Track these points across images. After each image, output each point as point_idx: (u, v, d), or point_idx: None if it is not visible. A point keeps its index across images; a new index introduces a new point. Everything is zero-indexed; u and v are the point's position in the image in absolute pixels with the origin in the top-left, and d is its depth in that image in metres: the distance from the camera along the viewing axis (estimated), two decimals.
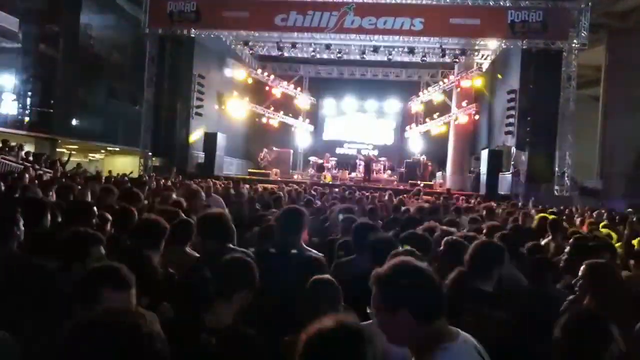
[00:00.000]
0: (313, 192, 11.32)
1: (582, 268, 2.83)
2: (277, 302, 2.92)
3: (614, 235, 6.30)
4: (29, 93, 19.67)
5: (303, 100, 25.66)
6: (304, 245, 3.58)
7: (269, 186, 13.00)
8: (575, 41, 16.91)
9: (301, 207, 3.90)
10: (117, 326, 0.99)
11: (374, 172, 21.90)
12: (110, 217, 3.90)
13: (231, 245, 3.43)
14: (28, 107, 19.64)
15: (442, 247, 3.54)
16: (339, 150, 25.62)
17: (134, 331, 0.99)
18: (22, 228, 2.98)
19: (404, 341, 1.73)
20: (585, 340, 1.93)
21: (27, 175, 10.20)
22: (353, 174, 22.52)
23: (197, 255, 3.51)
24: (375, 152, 24.55)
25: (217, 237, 3.34)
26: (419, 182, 19.42)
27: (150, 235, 3.15)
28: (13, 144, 14.52)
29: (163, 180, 11.32)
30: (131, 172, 14.62)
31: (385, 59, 20.30)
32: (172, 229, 3.37)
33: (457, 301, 2.50)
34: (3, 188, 6.83)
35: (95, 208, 3.84)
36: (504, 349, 2.35)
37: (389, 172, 23.53)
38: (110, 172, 14.67)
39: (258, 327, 2.40)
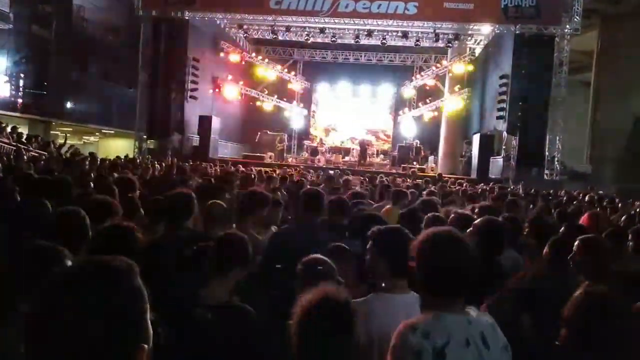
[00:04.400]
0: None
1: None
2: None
3: None
4: (22, 75, 19.51)
5: (297, 84, 25.70)
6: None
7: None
8: (567, 26, 17.00)
9: (320, 190, 4.01)
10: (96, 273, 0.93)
11: (368, 157, 22.12)
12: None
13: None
14: (21, 89, 19.52)
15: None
16: (332, 135, 25.82)
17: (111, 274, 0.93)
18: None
19: None
20: (598, 321, 1.97)
21: (24, 156, 10.34)
22: (347, 158, 22.73)
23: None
24: (370, 137, 24.73)
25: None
26: (413, 164, 19.67)
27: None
28: (4, 125, 14.53)
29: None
30: (126, 155, 14.65)
31: (379, 43, 20.35)
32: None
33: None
34: None
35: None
36: None
37: (381, 156, 23.74)
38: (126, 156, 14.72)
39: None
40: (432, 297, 1.82)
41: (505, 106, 17.47)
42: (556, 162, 17.54)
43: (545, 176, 17.33)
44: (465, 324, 1.76)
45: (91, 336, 0.87)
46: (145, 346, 0.95)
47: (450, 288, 1.81)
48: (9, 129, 14.40)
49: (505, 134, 17.95)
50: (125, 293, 0.92)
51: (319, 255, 2.58)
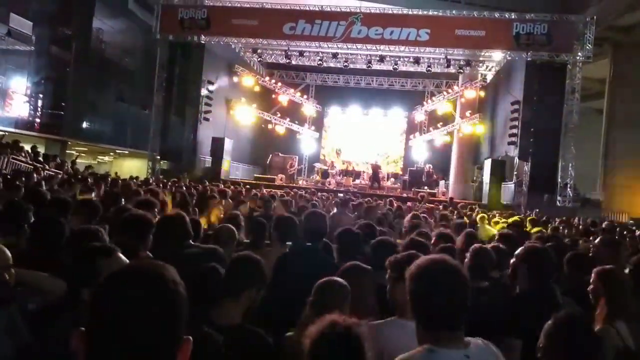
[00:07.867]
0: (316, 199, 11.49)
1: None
2: (295, 301, 3.03)
3: None
4: (41, 95, 19.95)
5: (309, 108, 25.95)
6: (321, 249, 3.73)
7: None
8: (579, 54, 17.04)
9: (324, 213, 4.02)
10: (143, 276, 1.00)
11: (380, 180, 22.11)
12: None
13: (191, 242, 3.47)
14: (39, 109, 19.93)
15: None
16: (343, 158, 25.91)
17: (159, 281, 0.99)
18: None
19: None
20: (575, 347, 1.93)
21: (35, 175, 10.47)
22: (357, 181, 22.75)
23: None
24: (381, 161, 24.78)
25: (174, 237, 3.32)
26: (424, 188, 19.63)
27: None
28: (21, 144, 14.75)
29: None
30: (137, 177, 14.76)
31: (391, 68, 20.55)
32: None
33: None
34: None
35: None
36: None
37: (392, 179, 23.74)
38: (116, 173, 14.89)
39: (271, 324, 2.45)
40: (426, 331, 1.74)
41: (516, 132, 17.46)
42: (568, 189, 17.39)
43: (557, 203, 17.16)
44: (462, 359, 1.68)
45: (149, 329, 0.95)
46: (191, 338, 1.02)
47: (444, 322, 1.72)
48: (27, 148, 14.64)
49: (517, 160, 17.89)
50: (174, 290, 1.00)
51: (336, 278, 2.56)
